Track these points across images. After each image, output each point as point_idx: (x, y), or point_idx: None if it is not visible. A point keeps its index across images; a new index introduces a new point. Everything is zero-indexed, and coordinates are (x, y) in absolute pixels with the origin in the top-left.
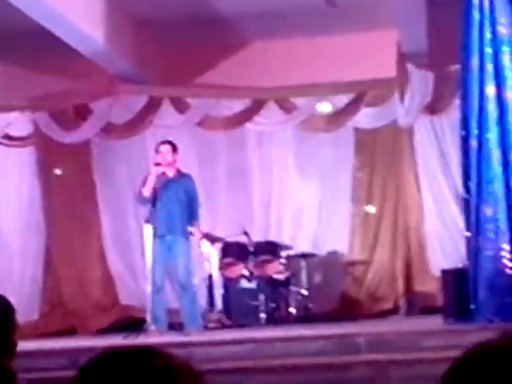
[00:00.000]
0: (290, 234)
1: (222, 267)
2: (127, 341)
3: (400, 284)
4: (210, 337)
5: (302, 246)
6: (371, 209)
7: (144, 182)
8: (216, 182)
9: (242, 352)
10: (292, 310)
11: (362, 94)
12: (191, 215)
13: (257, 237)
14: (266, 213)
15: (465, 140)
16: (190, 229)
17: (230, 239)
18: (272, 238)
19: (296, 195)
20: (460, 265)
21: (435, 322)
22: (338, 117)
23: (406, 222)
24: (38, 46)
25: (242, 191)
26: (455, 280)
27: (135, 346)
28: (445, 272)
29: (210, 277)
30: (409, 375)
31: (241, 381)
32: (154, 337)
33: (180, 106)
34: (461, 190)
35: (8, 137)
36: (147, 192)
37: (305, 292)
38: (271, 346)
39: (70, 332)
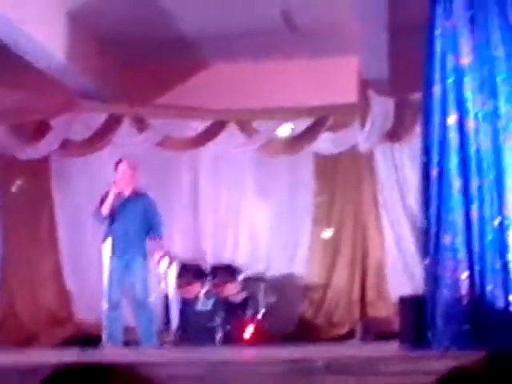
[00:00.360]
0: (246, 257)
1: (179, 287)
2: (82, 357)
3: (356, 309)
4: (165, 356)
5: (257, 269)
6: (329, 233)
7: (102, 201)
8: (172, 203)
9: (198, 373)
10: (248, 332)
11: (322, 119)
12: (152, 231)
13: (213, 258)
14: (222, 234)
15: (425, 168)
16: (151, 244)
17: (187, 260)
18: (227, 259)
19: (253, 218)
20: (417, 292)
21: (391, 347)
22: (298, 141)
23: (365, 248)
24: None
25: (198, 212)
26: (413, 307)
27: (94, 362)
28: (402, 299)
29: (167, 296)
30: None
31: None
32: (109, 354)
33: (140, 126)
34: (418, 217)
35: None
36: (105, 210)
37: (261, 314)
38: (227, 367)
39: (22, 346)
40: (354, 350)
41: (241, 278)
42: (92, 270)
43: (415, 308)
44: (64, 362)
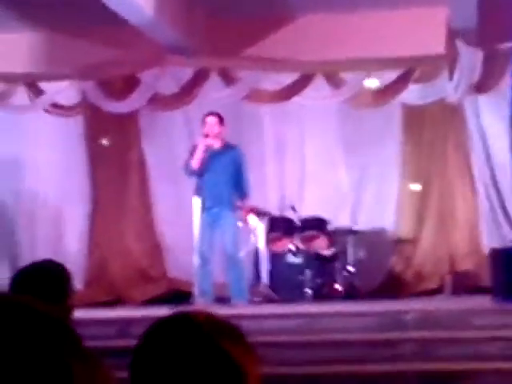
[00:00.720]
0: (332, 210)
1: (269, 241)
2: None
3: (446, 263)
4: (256, 310)
5: (344, 223)
6: (417, 186)
7: (191, 154)
8: (257, 156)
9: (289, 326)
10: (338, 286)
11: (410, 70)
12: (240, 188)
13: (298, 211)
14: (308, 188)
15: None
16: (237, 203)
17: (276, 214)
18: (313, 212)
19: (339, 171)
20: (509, 244)
21: (482, 301)
22: (385, 93)
23: (454, 200)
24: (87, 15)
25: (283, 166)
26: (504, 259)
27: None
28: (494, 251)
29: (257, 251)
30: (457, 353)
31: (287, 355)
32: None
33: (227, 79)
34: (506, 169)
35: (56, 105)
36: (195, 164)
37: (351, 268)
38: (318, 321)
39: (114, 302)
40: (445, 303)
41: (330, 231)
42: (184, 225)
43: (507, 260)
44: (154, 318)
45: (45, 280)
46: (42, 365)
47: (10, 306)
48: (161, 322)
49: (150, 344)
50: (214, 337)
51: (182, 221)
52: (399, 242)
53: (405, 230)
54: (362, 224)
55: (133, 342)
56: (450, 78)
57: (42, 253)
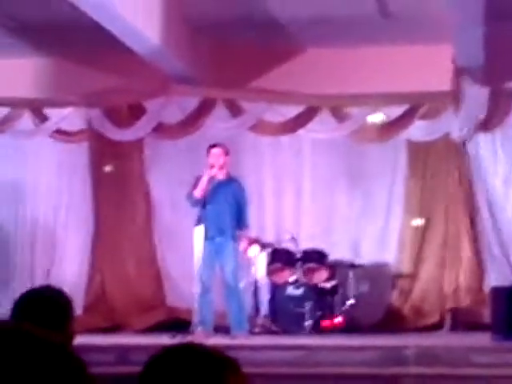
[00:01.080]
0: (334, 243)
1: (270, 273)
2: (174, 341)
3: (446, 298)
4: (255, 341)
5: (346, 256)
6: (420, 222)
7: (195, 184)
8: (260, 187)
9: (287, 358)
10: (337, 319)
11: (416, 106)
12: (240, 220)
13: (300, 243)
14: (309, 219)
15: None
16: (238, 234)
17: (277, 245)
18: (315, 245)
19: (341, 204)
20: (510, 282)
21: (482, 338)
22: (391, 128)
23: (456, 236)
24: (94, 43)
25: (285, 197)
26: (505, 297)
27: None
28: (495, 289)
29: (257, 282)
30: None
31: None
32: (199, 338)
33: (233, 110)
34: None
35: (61, 131)
36: (198, 193)
37: (351, 302)
38: (317, 354)
39: (112, 329)
40: (444, 340)
41: (330, 264)
42: (185, 253)
43: (508, 299)
44: (154, 345)
45: (46, 306)
46: None
47: (13, 334)
48: (165, 350)
49: (154, 372)
50: (217, 368)
51: (184, 249)
52: (400, 276)
53: (406, 265)
54: (364, 257)
55: (132, 369)
56: (456, 115)
57: (41, 278)
